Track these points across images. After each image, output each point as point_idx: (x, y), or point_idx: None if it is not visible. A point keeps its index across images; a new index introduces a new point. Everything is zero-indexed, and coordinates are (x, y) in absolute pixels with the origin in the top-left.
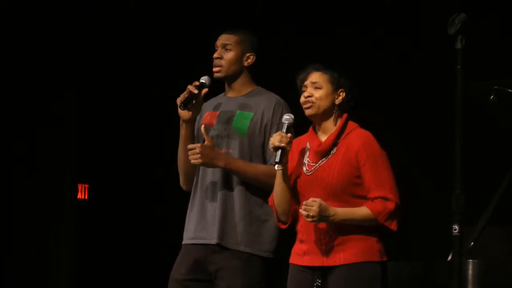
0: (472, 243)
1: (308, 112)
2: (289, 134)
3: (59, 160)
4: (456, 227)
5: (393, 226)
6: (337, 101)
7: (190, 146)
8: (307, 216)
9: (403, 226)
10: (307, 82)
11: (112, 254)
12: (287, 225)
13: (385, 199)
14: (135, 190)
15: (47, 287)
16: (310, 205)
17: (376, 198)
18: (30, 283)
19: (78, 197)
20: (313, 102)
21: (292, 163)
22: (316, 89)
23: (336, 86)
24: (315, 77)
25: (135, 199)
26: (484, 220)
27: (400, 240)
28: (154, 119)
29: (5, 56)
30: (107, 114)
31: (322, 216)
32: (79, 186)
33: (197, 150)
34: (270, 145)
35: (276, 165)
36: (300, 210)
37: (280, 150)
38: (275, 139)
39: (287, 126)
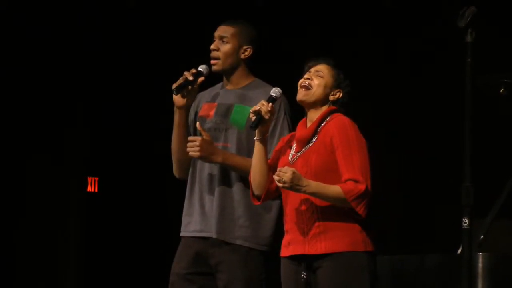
0: (482, 236)
1: (301, 96)
2: (270, 104)
3: (69, 154)
4: (466, 220)
5: (360, 209)
6: (331, 98)
7: (191, 138)
8: (279, 181)
9: (412, 219)
10: (312, 69)
11: (121, 247)
12: (261, 202)
13: (355, 181)
14: (145, 183)
15: (56, 279)
16: (284, 171)
17: (347, 180)
18: (39, 275)
19: (88, 190)
20: (310, 86)
21: (282, 154)
22: (317, 77)
23: (336, 83)
24: (322, 67)
25: (145, 192)
26: (494, 213)
27: (409, 233)
28: (163, 113)
29: (16, 52)
30: (118, 108)
31: (294, 184)
32: (89, 179)
33: (197, 143)
34: (250, 110)
35: (256, 136)
36: (274, 176)
37: (257, 116)
38: (256, 106)
39: (272, 98)
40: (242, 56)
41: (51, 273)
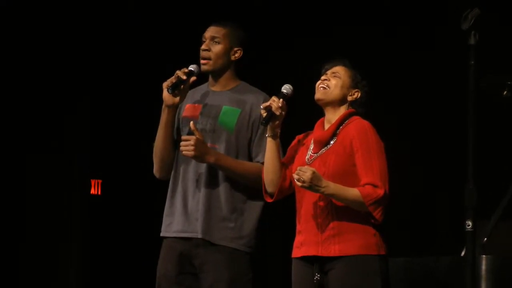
0: (486, 238)
1: (319, 95)
2: (281, 100)
3: (72, 156)
4: (469, 222)
5: (377, 214)
6: (350, 98)
7: (185, 137)
8: (298, 180)
9: (417, 221)
10: (328, 71)
11: (124, 250)
12: (273, 199)
13: (374, 185)
14: (148, 185)
15: (59, 282)
16: (304, 171)
17: (366, 184)
18: (42, 277)
19: (91, 192)
20: (327, 87)
21: (297, 152)
22: (334, 77)
23: (354, 83)
24: (338, 69)
25: (147, 195)
26: (497, 215)
27: (413, 236)
28: None
29: (16, 55)
30: (120, 110)
31: (313, 184)
32: (92, 181)
33: (192, 142)
34: (261, 107)
35: (267, 133)
36: (293, 174)
37: (268, 112)
38: (267, 102)
39: (283, 94)
40: (233, 57)
41: (54, 275)
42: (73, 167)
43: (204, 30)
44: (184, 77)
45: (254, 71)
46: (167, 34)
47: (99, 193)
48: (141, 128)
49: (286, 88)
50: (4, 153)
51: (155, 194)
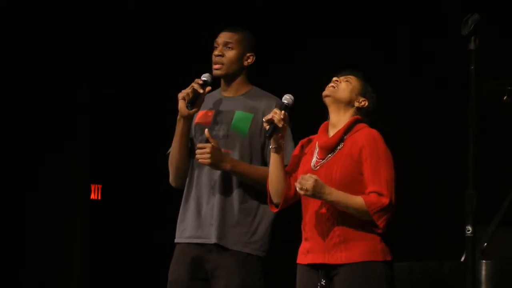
0: (486, 243)
1: (328, 91)
2: (283, 111)
3: (72, 161)
4: (469, 227)
5: (381, 222)
6: (357, 104)
7: (200, 145)
8: (301, 189)
9: (417, 226)
10: (341, 77)
11: (125, 254)
12: (278, 209)
13: (380, 194)
14: (148, 190)
15: (60, 287)
16: (306, 179)
17: (371, 192)
18: (43, 283)
19: (91, 197)
20: (336, 87)
21: (301, 159)
22: (346, 81)
23: (363, 91)
24: (351, 76)
25: (148, 200)
26: (497, 220)
27: (413, 241)
28: (167, 120)
29: (19, 53)
30: (120, 115)
31: (316, 192)
32: (92, 186)
33: (208, 150)
34: (264, 119)
35: (271, 145)
36: (296, 183)
37: (271, 125)
38: (269, 115)
39: (284, 105)
40: (245, 63)
41: (55, 280)
42: (73, 172)
43: (203, 32)
44: (201, 90)
45: (256, 75)
46: (167, 36)
47: (99, 198)
48: (141, 133)
49: (286, 99)
50: (4, 157)
51: (155, 198)
